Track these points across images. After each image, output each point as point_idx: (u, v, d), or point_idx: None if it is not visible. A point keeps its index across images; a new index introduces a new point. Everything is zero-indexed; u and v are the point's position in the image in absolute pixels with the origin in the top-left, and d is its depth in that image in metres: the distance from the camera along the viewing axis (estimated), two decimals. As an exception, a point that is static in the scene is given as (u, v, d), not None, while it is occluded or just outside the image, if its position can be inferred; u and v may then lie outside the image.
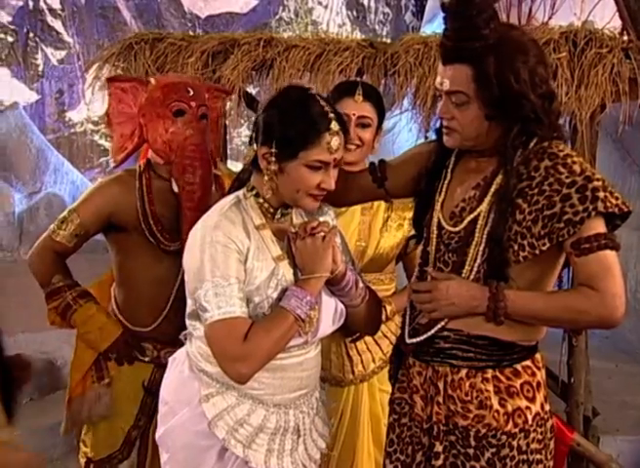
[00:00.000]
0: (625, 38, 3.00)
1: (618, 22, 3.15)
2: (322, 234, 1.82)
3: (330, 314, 1.88)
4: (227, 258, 1.74)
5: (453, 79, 1.76)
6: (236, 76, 2.95)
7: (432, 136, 3.02)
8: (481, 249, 1.80)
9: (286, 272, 1.84)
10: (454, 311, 1.82)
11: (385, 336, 2.54)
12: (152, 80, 2.26)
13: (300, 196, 1.80)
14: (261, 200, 1.84)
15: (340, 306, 1.90)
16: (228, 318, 1.71)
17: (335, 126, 1.76)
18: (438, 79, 1.81)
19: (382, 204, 2.51)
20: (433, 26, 7.38)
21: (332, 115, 1.77)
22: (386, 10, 10.20)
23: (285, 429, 1.88)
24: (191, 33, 3.32)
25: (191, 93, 2.18)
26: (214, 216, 1.81)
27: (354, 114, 2.37)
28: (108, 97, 2.34)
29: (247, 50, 2.98)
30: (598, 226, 1.70)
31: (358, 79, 2.67)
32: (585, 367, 3.22)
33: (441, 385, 1.86)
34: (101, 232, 2.39)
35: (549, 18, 5.12)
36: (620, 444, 3.61)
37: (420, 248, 2.00)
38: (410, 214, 2.32)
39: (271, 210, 1.86)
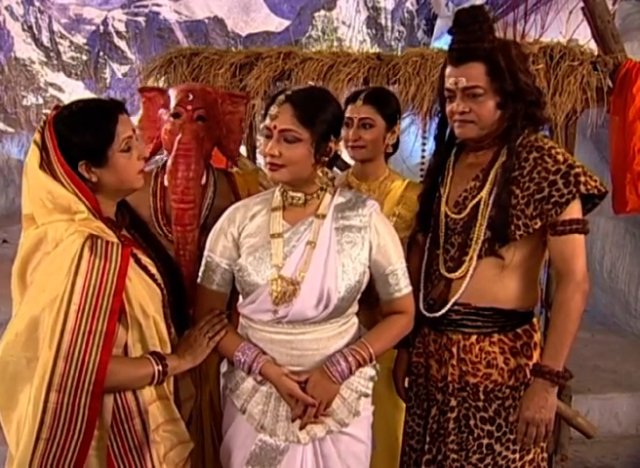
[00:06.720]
0: (596, 52, 2.99)
1: (597, 39, 3.13)
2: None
3: (311, 297, 1.68)
4: None
5: (469, 76, 1.79)
6: (259, 84, 2.95)
7: (429, 136, 3.04)
8: (484, 228, 1.82)
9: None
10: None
11: None
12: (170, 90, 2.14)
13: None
14: None
15: (328, 292, 1.67)
16: None
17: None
18: (452, 80, 1.83)
19: (392, 201, 2.33)
20: (441, 42, 7.32)
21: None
22: (401, 28, 10.15)
23: (278, 396, 1.72)
24: (224, 48, 3.29)
25: (190, 97, 2.03)
26: None
27: (356, 116, 2.36)
28: (142, 105, 2.23)
29: (269, 62, 2.97)
30: (575, 211, 1.75)
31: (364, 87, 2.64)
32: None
33: (454, 350, 1.89)
34: None
35: (540, 36, 5.19)
36: (590, 401, 3.63)
37: (430, 235, 2.00)
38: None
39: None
